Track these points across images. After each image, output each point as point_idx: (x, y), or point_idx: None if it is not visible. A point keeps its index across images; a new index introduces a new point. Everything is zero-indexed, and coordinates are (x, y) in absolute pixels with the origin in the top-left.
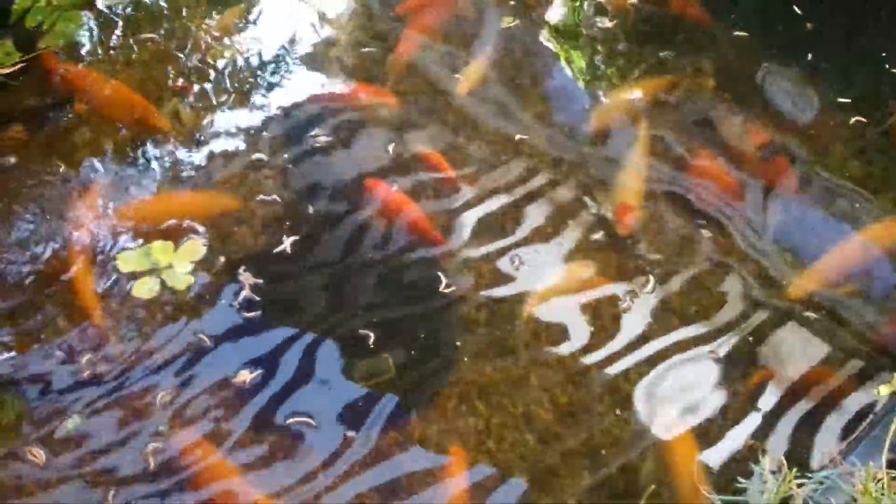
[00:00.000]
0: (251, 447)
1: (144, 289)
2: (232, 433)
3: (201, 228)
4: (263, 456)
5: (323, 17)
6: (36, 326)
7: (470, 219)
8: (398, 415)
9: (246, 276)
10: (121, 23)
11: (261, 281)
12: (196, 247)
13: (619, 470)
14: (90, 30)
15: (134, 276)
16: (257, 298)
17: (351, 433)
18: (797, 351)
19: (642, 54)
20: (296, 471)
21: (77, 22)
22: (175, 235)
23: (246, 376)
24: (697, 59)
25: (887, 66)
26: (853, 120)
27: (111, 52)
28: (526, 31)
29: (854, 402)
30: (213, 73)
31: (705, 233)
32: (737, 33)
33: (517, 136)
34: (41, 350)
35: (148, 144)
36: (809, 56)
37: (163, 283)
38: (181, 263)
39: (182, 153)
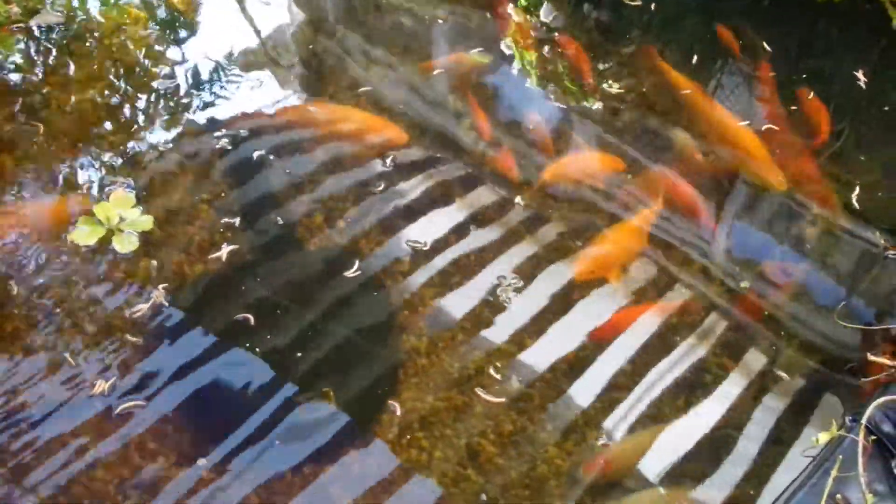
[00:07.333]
0: None
1: (125, 242)
2: None
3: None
4: None
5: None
6: None
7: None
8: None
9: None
10: (55, 40)
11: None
12: (123, 194)
13: None
14: (24, 49)
15: (106, 240)
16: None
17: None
18: None
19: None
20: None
21: (7, 42)
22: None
23: (103, 385)
24: None
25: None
26: None
27: (44, 70)
28: None
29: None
30: (148, 92)
31: None
32: None
33: None
34: None
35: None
36: None
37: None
38: (127, 211)
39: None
